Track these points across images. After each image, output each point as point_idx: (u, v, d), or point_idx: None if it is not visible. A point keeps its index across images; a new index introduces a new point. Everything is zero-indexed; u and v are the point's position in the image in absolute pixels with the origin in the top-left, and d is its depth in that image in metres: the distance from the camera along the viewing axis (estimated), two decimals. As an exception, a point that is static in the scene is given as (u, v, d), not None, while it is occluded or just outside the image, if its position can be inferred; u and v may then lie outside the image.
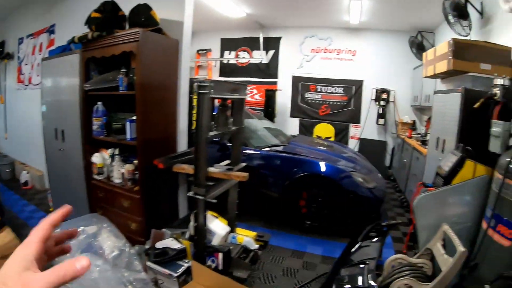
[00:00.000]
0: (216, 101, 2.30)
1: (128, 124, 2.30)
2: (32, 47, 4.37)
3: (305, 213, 3.04)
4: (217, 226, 2.40)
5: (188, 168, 2.16)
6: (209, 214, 2.49)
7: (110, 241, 2.21)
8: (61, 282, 0.37)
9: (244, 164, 2.45)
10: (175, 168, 2.24)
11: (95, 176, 2.64)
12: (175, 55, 2.57)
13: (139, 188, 2.33)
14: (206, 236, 2.24)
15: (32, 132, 4.37)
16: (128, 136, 2.32)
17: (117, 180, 2.50)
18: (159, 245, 2.05)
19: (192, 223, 2.07)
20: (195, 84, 1.92)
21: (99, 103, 2.50)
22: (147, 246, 2.22)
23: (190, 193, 2.00)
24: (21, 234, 2.37)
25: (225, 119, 2.21)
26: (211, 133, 2.04)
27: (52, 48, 3.53)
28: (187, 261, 2.03)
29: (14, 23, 5.07)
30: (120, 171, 2.46)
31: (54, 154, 3.08)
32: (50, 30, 3.88)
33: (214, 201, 2.02)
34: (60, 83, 2.85)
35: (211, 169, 2.11)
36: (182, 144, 2.73)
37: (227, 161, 2.45)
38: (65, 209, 0.46)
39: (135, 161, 2.37)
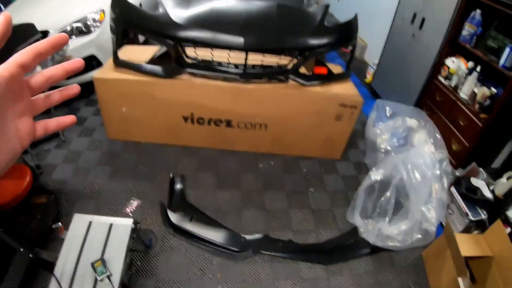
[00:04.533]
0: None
1: (507, 50, 2.02)
2: None
3: None
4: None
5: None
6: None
7: (426, 145, 2.14)
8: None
9: None
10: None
11: (440, 78, 2.58)
12: None
13: (487, 118, 2.11)
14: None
15: (372, 3, 4.42)
16: (502, 62, 2.05)
17: (463, 95, 2.34)
18: (474, 181, 1.98)
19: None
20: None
21: (478, 10, 2.26)
22: (457, 173, 2.14)
23: None
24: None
25: None
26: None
27: None
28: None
29: None
30: (472, 89, 2.27)
31: (400, 36, 3.08)
32: None
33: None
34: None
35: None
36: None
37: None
38: (61, 38, 0.32)
39: (493, 89, 2.15)
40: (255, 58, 2.05)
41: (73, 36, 2.77)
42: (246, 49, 1.96)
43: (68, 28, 2.79)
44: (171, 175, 2.15)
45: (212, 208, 2.00)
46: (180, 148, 2.35)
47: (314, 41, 2.06)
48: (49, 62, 2.35)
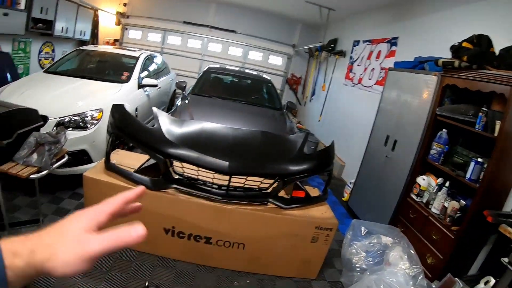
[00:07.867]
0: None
1: (472, 164, 2.22)
2: (369, 52, 4.80)
3: None
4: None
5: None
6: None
7: (401, 261, 2.20)
8: (114, 247, 0.41)
9: None
10: (500, 228, 2.01)
11: (413, 196, 2.75)
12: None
13: (458, 230, 2.25)
14: None
15: (349, 125, 4.94)
16: (468, 175, 2.25)
17: (435, 210, 2.49)
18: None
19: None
20: None
21: (444, 130, 2.52)
22: (434, 286, 2.18)
23: None
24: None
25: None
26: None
27: (397, 60, 3.60)
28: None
29: (351, 26, 5.73)
30: (442, 204, 2.42)
31: (375, 156, 3.35)
32: (392, 42, 4.19)
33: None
34: (405, 96, 3.04)
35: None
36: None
37: None
38: (140, 190, 0.49)
39: (462, 201, 2.31)
40: (238, 179, 2.18)
41: (70, 128, 2.93)
42: (230, 173, 2.10)
43: (67, 119, 2.95)
44: (146, 283, 2.12)
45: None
46: (157, 258, 2.35)
47: (293, 168, 2.24)
48: (45, 153, 2.45)
